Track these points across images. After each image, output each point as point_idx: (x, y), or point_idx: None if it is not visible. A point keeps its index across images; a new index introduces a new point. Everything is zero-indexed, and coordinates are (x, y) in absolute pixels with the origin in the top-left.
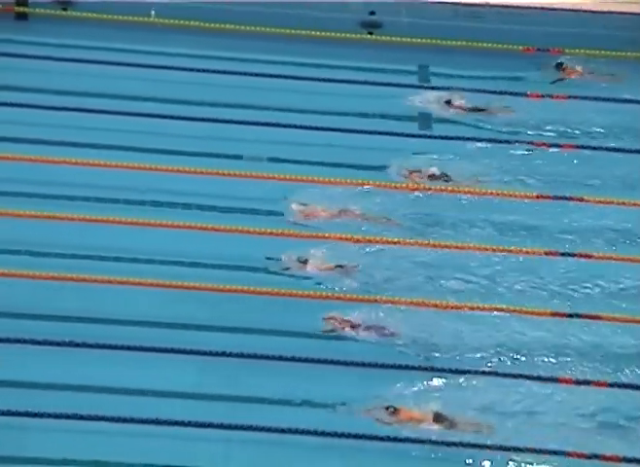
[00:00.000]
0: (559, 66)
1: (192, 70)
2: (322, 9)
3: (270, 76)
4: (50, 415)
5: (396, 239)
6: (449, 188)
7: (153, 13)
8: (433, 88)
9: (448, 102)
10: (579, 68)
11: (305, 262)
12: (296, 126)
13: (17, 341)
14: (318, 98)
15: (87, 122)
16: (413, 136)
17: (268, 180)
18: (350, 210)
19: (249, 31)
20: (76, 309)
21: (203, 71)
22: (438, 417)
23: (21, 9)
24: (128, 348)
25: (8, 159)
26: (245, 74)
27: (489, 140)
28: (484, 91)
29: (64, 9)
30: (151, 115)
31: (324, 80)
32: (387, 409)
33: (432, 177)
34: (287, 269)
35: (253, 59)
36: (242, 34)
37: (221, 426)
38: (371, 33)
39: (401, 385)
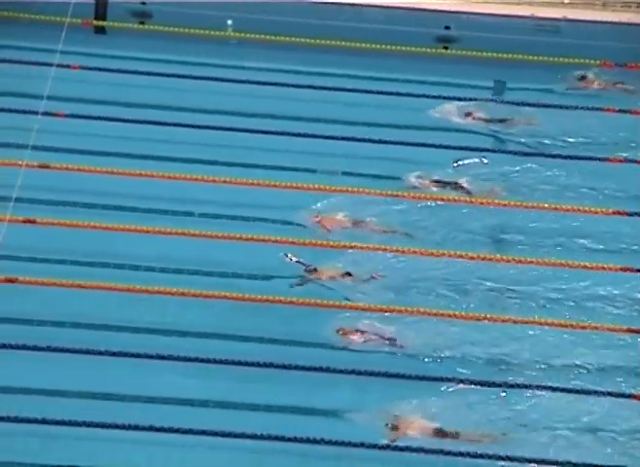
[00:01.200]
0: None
1: (265, 84)
2: (398, 23)
3: (346, 90)
4: (74, 423)
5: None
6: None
7: (230, 23)
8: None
9: (469, 114)
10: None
11: (315, 270)
12: (366, 140)
13: (42, 348)
14: (389, 112)
15: (161, 134)
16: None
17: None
18: (366, 220)
19: (323, 45)
20: (117, 318)
21: (277, 85)
22: (439, 431)
23: (100, 23)
24: (136, 356)
25: (84, 170)
26: (320, 88)
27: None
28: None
29: (142, 22)
30: (223, 128)
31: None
32: (387, 425)
33: (450, 187)
34: (301, 277)
35: (327, 73)
36: (316, 47)
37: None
38: (446, 48)
39: (407, 396)
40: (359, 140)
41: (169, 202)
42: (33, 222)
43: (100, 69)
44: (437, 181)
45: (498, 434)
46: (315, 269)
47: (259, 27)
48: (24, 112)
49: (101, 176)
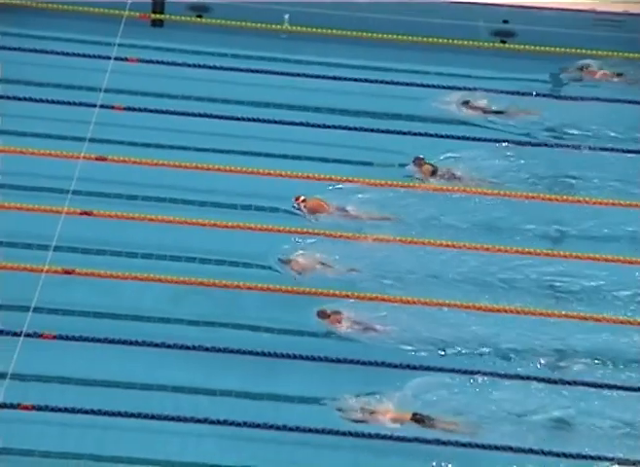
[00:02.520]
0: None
1: (321, 77)
2: (455, 16)
3: (405, 85)
4: (128, 415)
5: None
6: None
7: (286, 17)
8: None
9: (466, 103)
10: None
11: (288, 262)
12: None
13: (99, 340)
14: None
15: (217, 127)
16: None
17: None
18: (354, 208)
19: (379, 39)
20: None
21: (333, 78)
22: (416, 417)
23: (158, 16)
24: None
25: (141, 163)
26: (373, 82)
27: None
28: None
29: (199, 16)
30: (283, 122)
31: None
32: (362, 409)
33: (442, 176)
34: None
35: (383, 68)
36: (372, 42)
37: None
38: (504, 41)
39: (386, 383)
40: (365, 130)
41: (230, 196)
42: (90, 214)
43: (157, 62)
44: (432, 170)
45: (474, 422)
46: (289, 261)
47: (314, 21)
48: (82, 105)
49: (158, 169)
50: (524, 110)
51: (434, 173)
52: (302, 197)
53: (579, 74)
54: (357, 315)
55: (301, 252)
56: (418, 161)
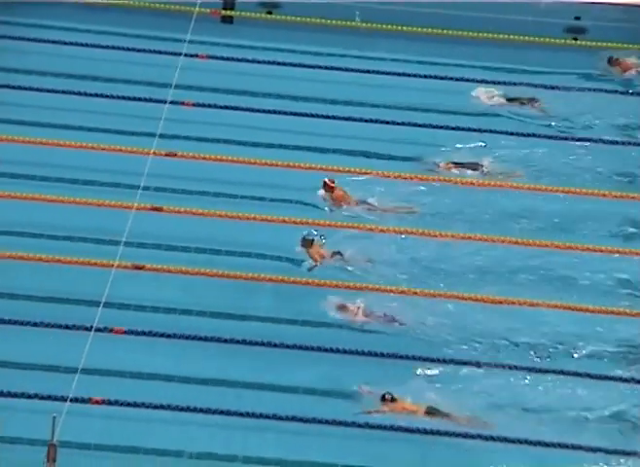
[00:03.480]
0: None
1: (390, 74)
2: (527, 13)
3: (472, 81)
4: (171, 408)
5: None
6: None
7: (357, 13)
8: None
9: (493, 97)
10: None
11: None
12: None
13: (169, 336)
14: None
15: (287, 123)
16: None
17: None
18: (373, 199)
19: (446, 35)
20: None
21: (401, 75)
22: (430, 411)
23: (228, 12)
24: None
25: (210, 159)
26: (433, 78)
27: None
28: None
29: (269, 12)
30: (352, 118)
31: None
32: (384, 397)
33: (469, 168)
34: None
35: (450, 64)
36: (437, 37)
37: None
38: (575, 39)
39: (402, 375)
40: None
41: (300, 192)
42: (160, 210)
43: (227, 58)
44: (456, 163)
45: (488, 416)
46: (312, 242)
47: (385, 18)
48: (153, 101)
49: (226, 165)
50: (550, 103)
51: (458, 168)
52: (335, 182)
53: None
54: (375, 307)
55: (319, 244)
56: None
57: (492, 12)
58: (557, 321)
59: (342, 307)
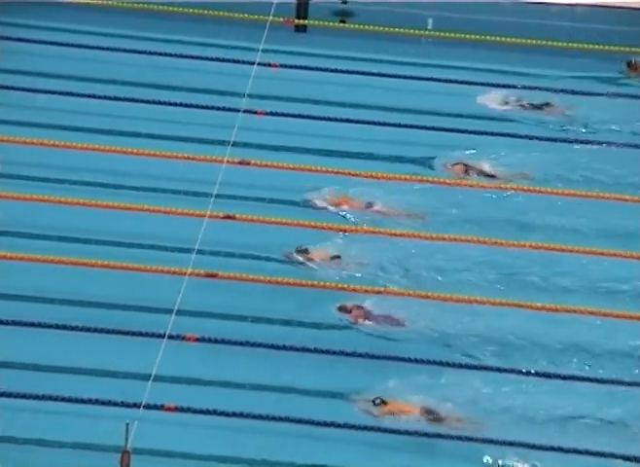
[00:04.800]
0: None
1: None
2: (542, 16)
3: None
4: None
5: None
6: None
7: (430, 21)
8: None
9: (507, 102)
10: None
11: (306, 251)
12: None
13: (240, 343)
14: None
15: (361, 133)
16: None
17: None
18: (377, 203)
19: (520, 43)
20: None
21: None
22: (426, 412)
23: (301, 21)
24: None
25: (283, 168)
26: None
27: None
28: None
29: (342, 21)
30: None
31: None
32: (374, 401)
33: (476, 172)
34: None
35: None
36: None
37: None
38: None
39: (398, 377)
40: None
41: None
42: (232, 218)
43: (300, 67)
44: (465, 169)
45: (486, 419)
46: (306, 250)
47: (458, 26)
48: (226, 110)
49: (299, 173)
50: (565, 107)
51: (466, 172)
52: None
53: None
54: (378, 310)
55: (320, 246)
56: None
57: (510, 15)
58: (561, 325)
59: (344, 309)
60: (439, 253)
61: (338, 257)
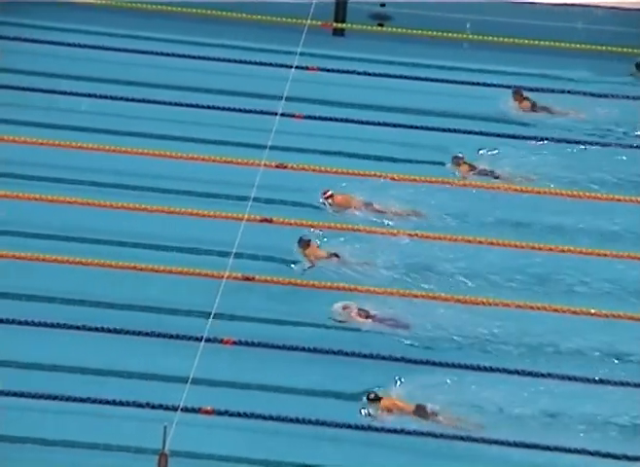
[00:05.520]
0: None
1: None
2: (560, 18)
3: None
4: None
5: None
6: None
7: (468, 25)
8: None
9: (521, 103)
10: None
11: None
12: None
13: (278, 347)
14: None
15: (397, 136)
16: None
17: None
18: (381, 203)
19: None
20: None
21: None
22: (419, 410)
23: (339, 25)
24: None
25: (320, 171)
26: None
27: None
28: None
29: (380, 24)
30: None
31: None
32: (368, 396)
33: (481, 173)
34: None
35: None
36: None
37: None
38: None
39: (399, 377)
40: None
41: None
42: (270, 221)
43: (338, 71)
44: (470, 169)
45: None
46: (308, 244)
47: (495, 29)
48: (264, 113)
49: (336, 177)
50: (573, 109)
51: (472, 171)
52: (330, 193)
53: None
54: (377, 310)
55: (318, 245)
56: (456, 160)
57: (526, 17)
58: (558, 326)
59: (345, 309)
60: (440, 253)
61: (337, 255)
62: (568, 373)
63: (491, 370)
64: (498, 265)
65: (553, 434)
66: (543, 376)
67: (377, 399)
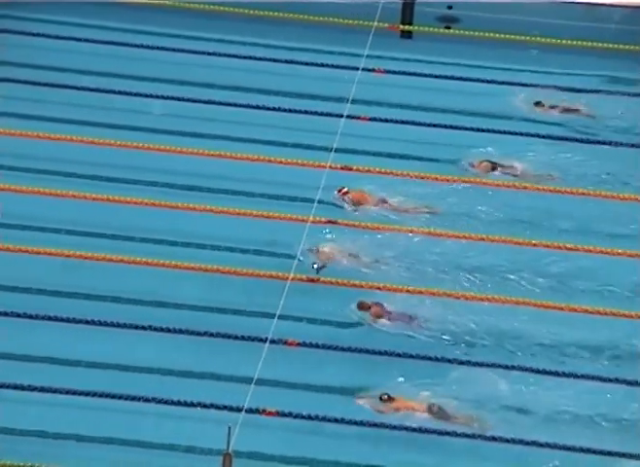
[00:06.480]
0: None
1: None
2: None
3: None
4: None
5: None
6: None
7: (536, 31)
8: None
9: (538, 103)
10: None
11: (317, 251)
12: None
13: (343, 349)
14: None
15: (461, 139)
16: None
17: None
18: (393, 199)
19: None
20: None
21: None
22: (431, 408)
23: (406, 27)
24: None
25: (386, 174)
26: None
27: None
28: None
29: (448, 27)
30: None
31: None
32: (381, 397)
33: (501, 171)
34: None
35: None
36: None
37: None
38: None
39: (409, 375)
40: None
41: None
42: (334, 223)
43: (404, 73)
44: (492, 167)
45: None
46: (317, 250)
47: (562, 32)
48: (329, 115)
49: (398, 179)
50: (594, 108)
51: (493, 170)
52: (345, 189)
53: None
54: (394, 307)
55: (330, 242)
56: (478, 161)
57: (537, 15)
58: (577, 325)
59: (362, 306)
60: (456, 250)
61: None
62: (577, 371)
63: (510, 368)
64: (515, 263)
65: (562, 432)
66: (561, 375)
67: (391, 399)
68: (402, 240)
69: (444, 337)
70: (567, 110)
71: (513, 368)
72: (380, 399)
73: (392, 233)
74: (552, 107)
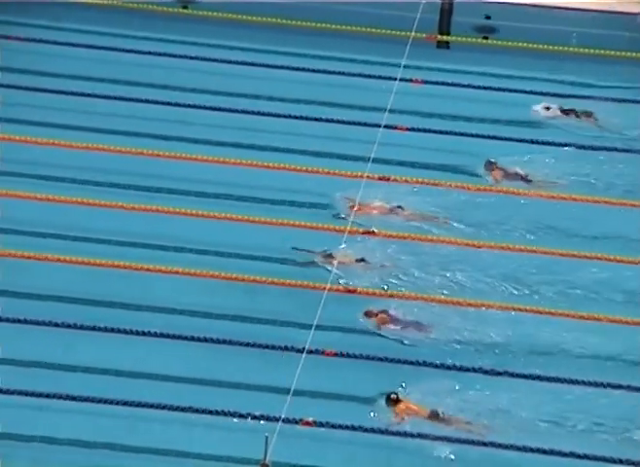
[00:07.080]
0: None
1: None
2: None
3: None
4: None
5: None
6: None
7: (574, 35)
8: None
9: (547, 108)
10: None
11: (331, 256)
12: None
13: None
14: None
15: (497, 149)
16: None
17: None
18: (402, 207)
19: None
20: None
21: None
22: (433, 414)
23: (444, 38)
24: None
25: (422, 184)
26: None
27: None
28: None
29: (485, 37)
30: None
31: None
32: (390, 395)
33: (511, 177)
34: (312, 262)
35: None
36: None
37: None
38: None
39: (415, 382)
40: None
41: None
42: (372, 233)
43: (442, 83)
44: (504, 175)
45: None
46: (330, 255)
47: (600, 41)
48: (367, 125)
49: (439, 190)
50: (610, 116)
51: (506, 177)
52: (356, 207)
53: None
54: (402, 315)
55: (344, 249)
56: (490, 165)
57: (575, 25)
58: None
59: (369, 314)
60: (466, 258)
61: (364, 260)
62: (579, 378)
63: (515, 375)
64: (525, 271)
65: (563, 438)
66: (559, 381)
67: (398, 401)
68: (441, 250)
69: (449, 345)
70: (601, 120)
71: (514, 375)
72: (388, 399)
73: (432, 243)
74: (588, 116)
